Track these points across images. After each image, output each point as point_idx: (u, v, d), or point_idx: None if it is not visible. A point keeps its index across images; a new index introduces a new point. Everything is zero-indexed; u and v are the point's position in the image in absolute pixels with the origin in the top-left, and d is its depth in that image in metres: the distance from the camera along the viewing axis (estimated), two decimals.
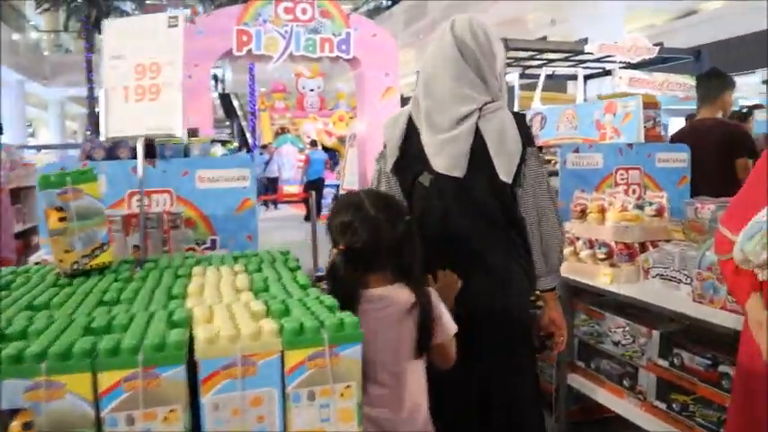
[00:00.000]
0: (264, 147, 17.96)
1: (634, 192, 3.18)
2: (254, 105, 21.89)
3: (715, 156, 3.49)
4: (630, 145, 3.17)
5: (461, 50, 1.98)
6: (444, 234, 1.96)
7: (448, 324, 1.71)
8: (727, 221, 1.77)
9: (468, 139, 1.92)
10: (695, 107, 4.04)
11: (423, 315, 1.67)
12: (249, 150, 20.31)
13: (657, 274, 2.47)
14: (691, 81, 6.93)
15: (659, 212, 2.69)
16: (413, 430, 1.68)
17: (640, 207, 2.73)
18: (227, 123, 26.18)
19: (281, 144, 18.21)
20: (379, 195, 1.83)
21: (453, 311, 1.77)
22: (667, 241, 2.64)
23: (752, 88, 14.61)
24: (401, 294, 1.68)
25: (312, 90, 20.04)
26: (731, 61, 9.60)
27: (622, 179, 3.17)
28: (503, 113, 1.96)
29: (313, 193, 7.54)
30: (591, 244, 2.80)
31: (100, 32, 21.97)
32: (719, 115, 3.74)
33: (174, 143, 2.50)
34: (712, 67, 3.92)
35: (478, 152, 1.93)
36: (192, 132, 4.52)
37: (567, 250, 2.90)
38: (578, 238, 2.88)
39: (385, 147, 2.06)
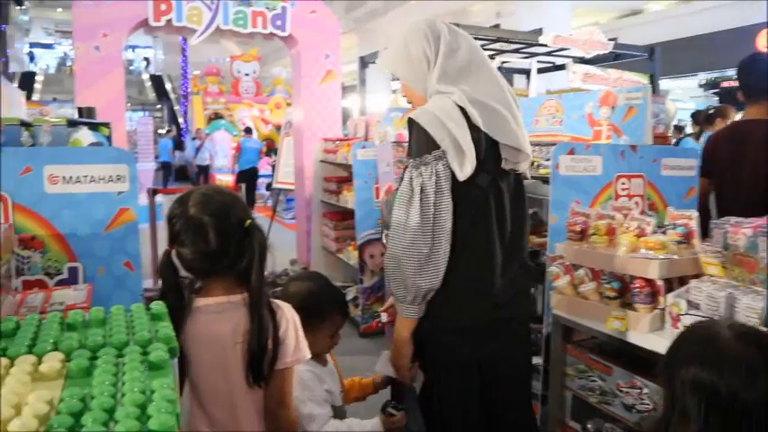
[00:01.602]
0: (196, 132, 16.89)
1: (637, 205, 2.54)
2: (187, 88, 20.75)
3: (763, 167, 2.66)
4: (634, 147, 2.53)
5: None
6: (502, 241, 1.79)
7: (293, 350, 1.50)
8: None
9: None
10: None
11: (256, 334, 1.43)
12: (180, 135, 19.13)
13: None
14: (644, 79, 6.63)
15: (687, 238, 2.04)
16: None
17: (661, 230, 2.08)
18: (159, 107, 24.80)
19: (213, 130, 17.09)
20: (214, 191, 1.52)
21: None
22: (695, 277, 1.99)
23: (685, 92, 14.63)
24: (239, 307, 1.46)
25: (247, 74, 19.03)
26: (676, 63, 9.40)
27: (624, 189, 2.53)
28: None
29: (243, 185, 6.70)
30: (595, 275, 2.14)
31: (18, 3, 20.22)
32: None
33: (8, 123, 1.67)
34: (753, 53, 3.04)
35: None
36: (88, 112, 3.64)
37: (562, 281, 2.23)
38: (575, 266, 2.22)
39: (435, 147, 1.70)
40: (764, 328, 1.58)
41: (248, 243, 1.47)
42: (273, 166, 8.27)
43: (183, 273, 1.50)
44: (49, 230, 1.71)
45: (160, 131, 20.75)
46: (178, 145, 18.41)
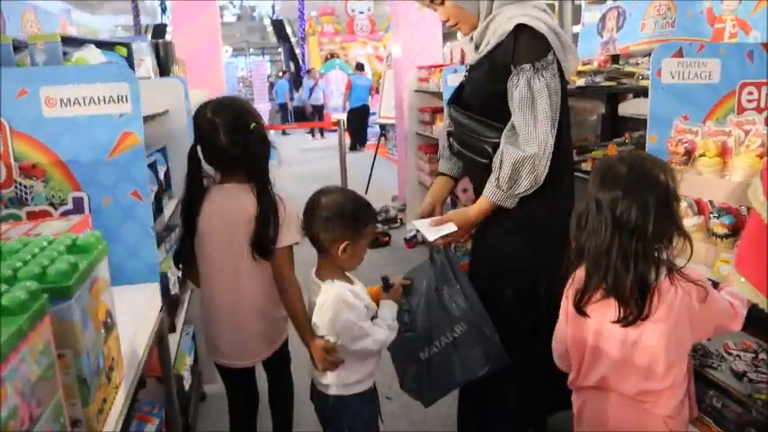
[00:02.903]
0: (309, 72, 16.91)
1: None
2: (303, 30, 20.79)
3: None
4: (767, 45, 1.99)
5: None
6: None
7: (289, 233, 1.80)
8: None
9: None
10: None
11: (260, 214, 1.76)
12: (298, 75, 19.25)
13: None
14: None
15: None
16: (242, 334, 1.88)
17: None
18: (279, 50, 25.17)
19: (328, 69, 17.07)
20: (226, 101, 1.86)
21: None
22: None
23: None
24: (244, 194, 1.79)
25: (362, 12, 18.69)
26: None
27: (751, 101, 2.01)
28: None
29: (341, 120, 6.51)
30: (701, 208, 1.70)
31: None
32: None
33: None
34: None
35: None
36: (156, 29, 3.53)
37: None
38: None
39: (548, 49, 1.78)
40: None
41: (251, 142, 1.77)
42: None
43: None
44: (50, 157, 1.56)
45: (281, 74, 21.04)
46: (297, 86, 18.60)
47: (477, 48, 1.94)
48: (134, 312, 1.37)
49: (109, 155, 1.58)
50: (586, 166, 2.69)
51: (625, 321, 1.37)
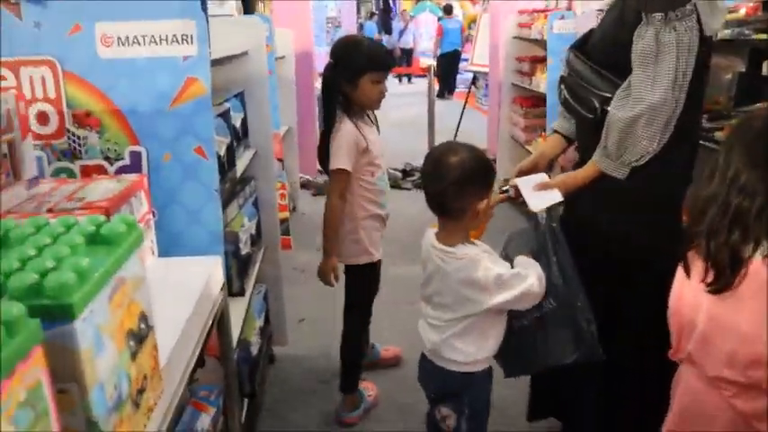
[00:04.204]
0: (400, 14, 16.36)
1: None
2: None
3: None
4: None
5: None
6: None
7: (335, 160, 2.13)
8: None
9: None
10: None
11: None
12: (387, 16, 18.65)
13: None
14: None
15: None
16: None
17: None
18: None
19: (418, 12, 16.45)
20: (348, 37, 2.46)
21: None
22: None
23: None
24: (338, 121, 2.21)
25: None
26: None
27: None
28: None
29: (431, 66, 6.17)
30: None
31: None
32: None
33: None
34: None
35: None
36: None
37: None
38: None
39: (692, 2, 1.52)
40: None
41: (329, 76, 2.18)
42: None
43: None
44: (105, 105, 1.37)
45: (370, 16, 20.50)
46: (386, 29, 18.06)
47: None
48: (190, 291, 1.18)
49: (170, 104, 1.37)
50: (720, 135, 2.29)
51: (710, 287, 1.24)
